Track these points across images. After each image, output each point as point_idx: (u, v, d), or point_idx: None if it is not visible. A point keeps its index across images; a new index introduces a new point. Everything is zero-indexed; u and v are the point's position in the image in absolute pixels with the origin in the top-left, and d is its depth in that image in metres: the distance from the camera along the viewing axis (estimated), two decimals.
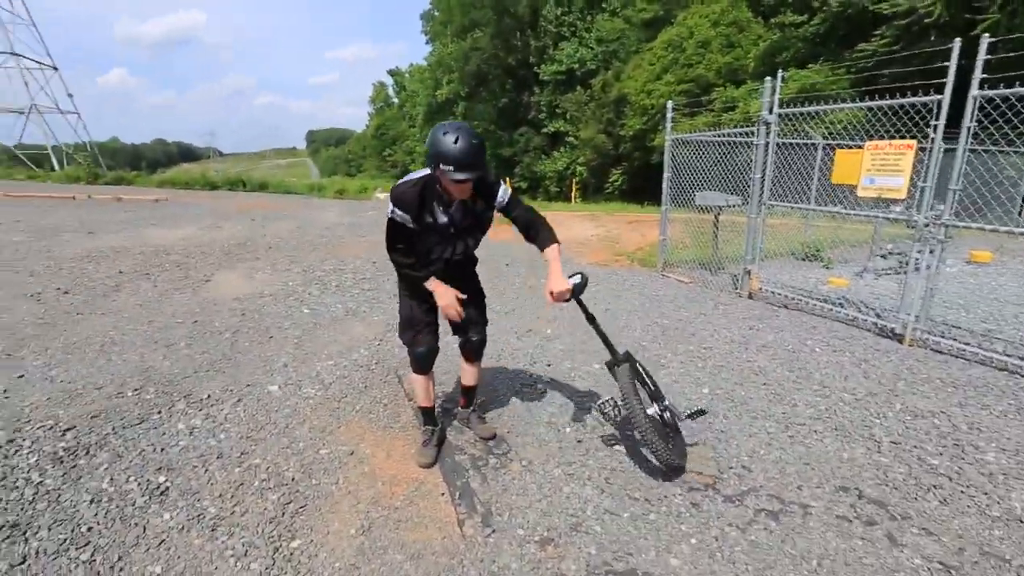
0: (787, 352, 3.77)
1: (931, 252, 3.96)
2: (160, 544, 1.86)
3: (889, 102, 4.17)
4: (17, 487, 2.14)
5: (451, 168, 1.89)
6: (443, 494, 2.15)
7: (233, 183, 20.69)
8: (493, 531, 1.93)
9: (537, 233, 2.22)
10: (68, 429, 2.58)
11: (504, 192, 2.18)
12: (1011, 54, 3.97)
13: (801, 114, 5.19)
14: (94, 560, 1.78)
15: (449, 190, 2.03)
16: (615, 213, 13.62)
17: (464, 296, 2.23)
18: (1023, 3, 12.79)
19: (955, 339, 3.96)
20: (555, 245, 2.18)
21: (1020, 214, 10.46)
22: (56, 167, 33.48)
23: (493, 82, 34.57)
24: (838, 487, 2.20)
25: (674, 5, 26.11)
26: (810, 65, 18.46)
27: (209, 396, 2.96)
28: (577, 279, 2.17)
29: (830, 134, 9.75)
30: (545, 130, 31.65)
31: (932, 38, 13.93)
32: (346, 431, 2.63)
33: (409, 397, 3.01)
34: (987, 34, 3.52)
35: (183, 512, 2.02)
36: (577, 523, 1.98)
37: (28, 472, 2.23)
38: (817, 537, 1.90)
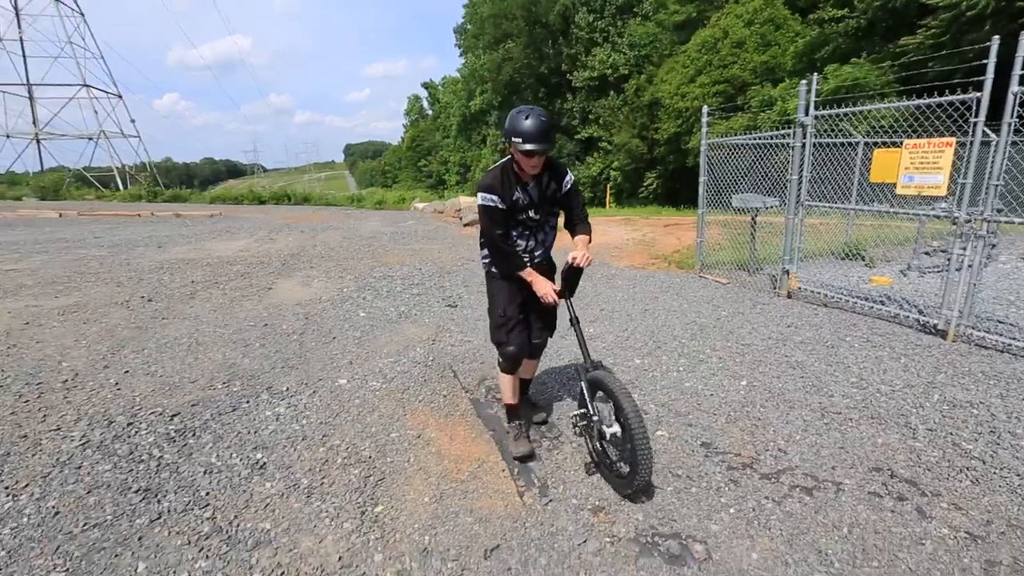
0: (825, 347, 3.86)
1: (973, 248, 3.97)
2: (266, 506, 2.20)
3: (927, 101, 4.21)
4: (143, 460, 2.53)
5: (520, 140, 2.13)
6: (503, 471, 2.42)
7: (278, 197, 21.86)
8: (550, 500, 2.18)
9: (578, 224, 2.49)
10: (174, 415, 2.98)
11: (572, 178, 2.45)
12: None
13: (837, 115, 5.23)
14: (215, 518, 2.13)
15: (522, 164, 2.25)
16: (650, 217, 13.67)
17: (558, 288, 2.38)
18: None
19: (1001, 334, 3.94)
20: (587, 236, 2.47)
21: None
22: (120, 187, 36.10)
23: (526, 91, 35.03)
24: (871, 468, 2.34)
25: (707, 6, 25.90)
26: (853, 60, 17.96)
27: (288, 388, 3.33)
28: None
29: (873, 131, 9.57)
30: (578, 136, 31.81)
31: (987, 28, 13.38)
32: (411, 418, 2.94)
33: (465, 389, 3.29)
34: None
35: (281, 482, 2.36)
36: (621, 496, 2.20)
37: (150, 448, 2.63)
38: (848, 509, 2.06)
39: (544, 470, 2.42)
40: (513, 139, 2.17)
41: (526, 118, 2.15)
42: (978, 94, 3.78)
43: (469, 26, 43.11)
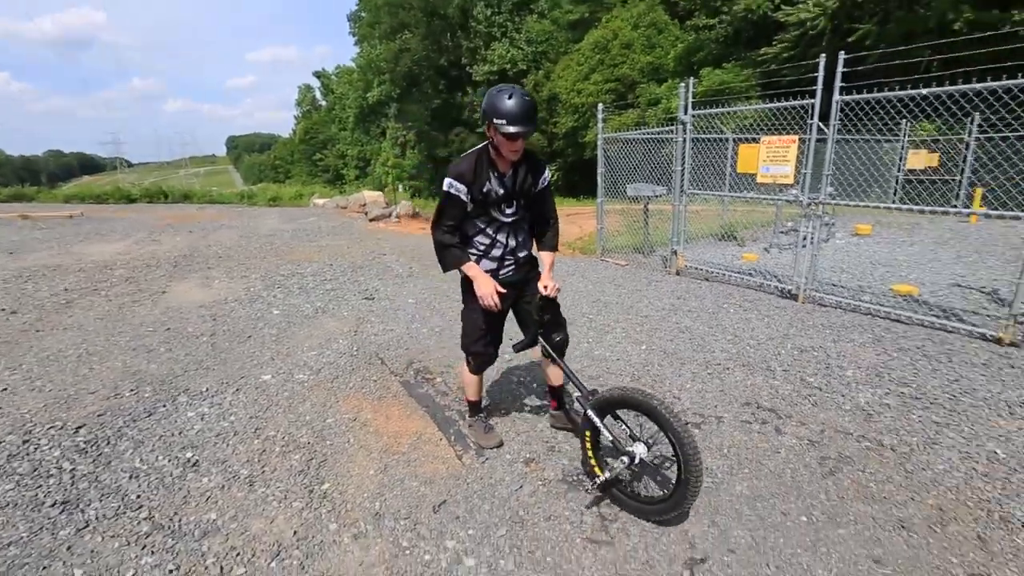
0: (708, 314, 4.52)
1: (814, 226, 4.85)
2: (207, 499, 2.20)
3: (776, 104, 5.04)
4: (52, 474, 2.37)
5: (503, 122, 1.97)
6: (441, 439, 2.62)
7: (153, 194, 19.53)
8: (487, 459, 2.43)
9: (546, 232, 2.36)
10: (79, 427, 2.79)
11: (547, 176, 2.32)
12: (861, 64, 4.93)
13: (710, 114, 6.02)
14: (152, 516, 2.10)
15: (501, 149, 2.09)
16: None
17: (504, 291, 2.20)
18: (887, 16, 14.77)
19: (835, 295, 4.88)
20: (553, 253, 2.35)
21: (895, 194, 12.21)
22: None
23: (425, 83, 34.57)
24: (743, 403, 2.89)
25: (599, 7, 27.42)
26: (723, 65, 20.13)
27: (208, 389, 3.23)
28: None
29: (740, 128, 10.95)
30: (480, 130, 32.07)
31: (824, 43, 15.74)
32: (344, 404, 3.02)
33: (394, 373, 3.42)
34: (843, 52, 4.41)
35: (219, 476, 2.36)
36: (551, 447, 2.52)
37: (58, 463, 2.46)
38: (727, 435, 2.56)
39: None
40: (495, 120, 1.99)
41: (509, 97, 1.98)
42: (812, 100, 4.62)
43: (364, 14, 41.43)
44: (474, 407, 2.64)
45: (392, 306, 4.99)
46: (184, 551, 1.91)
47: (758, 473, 2.29)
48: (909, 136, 11.89)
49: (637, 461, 1.97)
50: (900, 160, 12.20)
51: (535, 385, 3.26)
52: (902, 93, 4.11)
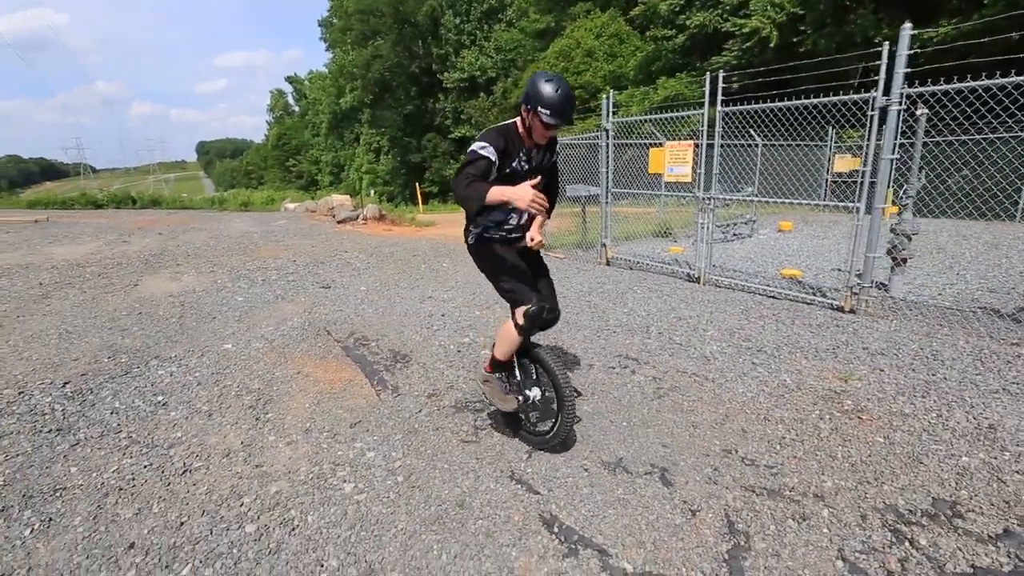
0: (616, 294, 5.28)
1: (708, 219, 5.66)
2: (174, 426, 2.82)
3: (675, 115, 5.85)
4: (47, 413, 2.95)
5: (547, 112, 2.09)
6: (367, 383, 3.28)
7: (120, 200, 19.58)
8: (399, 395, 3.10)
9: (549, 198, 2.42)
10: (66, 383, 3.35)
11: (558, 150, 2.51)
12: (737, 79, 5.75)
13: (627, 123, 6.83)
14: (131, 436, 2.70)
15: (534, 133, 2.23)
16: None
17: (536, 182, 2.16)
18: (825, 27, 16.01)
19: (732, 279, 5.69)
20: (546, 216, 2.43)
21: (824, 195, 13.33)
22: None
23: (398, 89, 35.12)
24: (615, 355, 3.63)
25: (564, 16, 28.44)
26: (677, 74, 21.25)
27: (176, 355, 3.82)
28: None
29: (670, 135, 11.92)
30: (452, 135, 32.78)
31: (769, 54, 16.95)
32: (291, 363, 3.65)
33: (337, 340, 4.06)
34: (721, 71, 5.25)
35: (184, 410, 2.97)
36: (450, 385, 3.21)
37: (50, 406, 3.04)
38: (593, 376, 3.29)
39: (396, 380, 3.33)
40: (540, 108, 2.10)
41: (556, 89, 2.08)
42: (702, 111, 5.44)
43: (335, 20, 41.80)
44: (499, 365, 2.52)
45: (345, 293, 5.61)
46: (155, 455, 2.53)
47: (604, 398, 3.01)
48: (836, 143, 13.04)
49: (530, 401, 2.46)
50: (828, 163, 13.35)
51: (449, 331, 3.94)
52: (771, 105, 4.95)
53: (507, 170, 2.26)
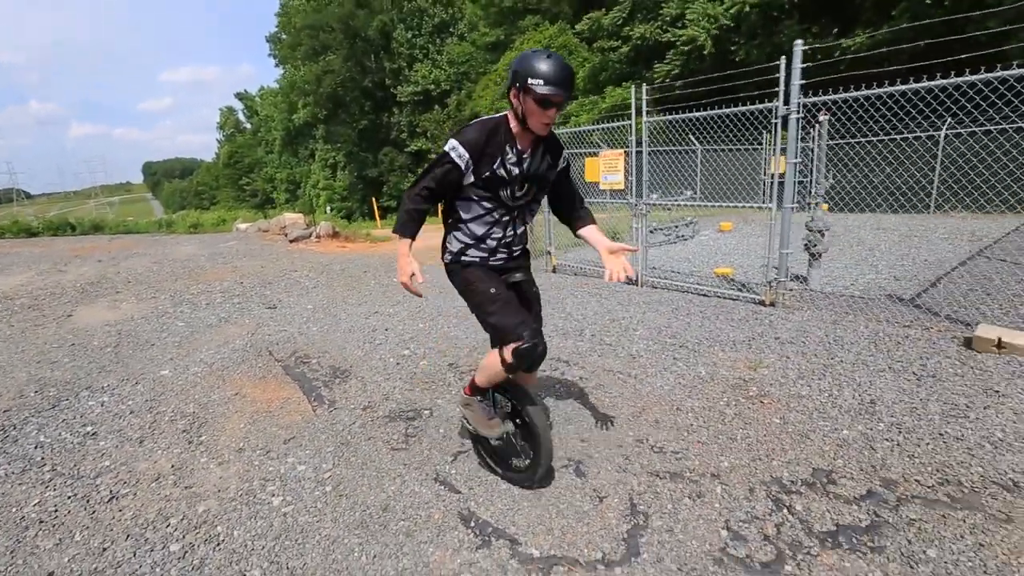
0: (555, 299, 5.49)
1: (640, 223, 5.97)
2: (103, 456, 2.80)
3: (605, 126, 6.16)
4: None
5: (540, 82, 1.74)
6: (304, 400, 3.34)
7: (57, 227, 18.63)
8: (335, 408, 3.18)
9: (580, 209, 2.17)
10: None
11: (566, 156, 2.12)
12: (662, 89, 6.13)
13: (576, 133, 7.11)
14: (55, 469, 2.68)
15: (531, 120, 1.86)
16: None
17: (420, 279, 1.96)
18: (756, 37, 16.98)
19: (667, 279, 6.00)
20: (595, 225, 2.14)
21: (764, 195, 14.07)
22: None
23: (351, 104, 34.92)
24: (548, 359, 3.80)
25: (513, 30, 29.02)
26: (623, 83, 22.02)
27: (108, 385, 3.76)
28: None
29: (612, 143, 12.43)
30: (408, 149, 32.79)
31: (706, 63, 17.82)
32: (230, 384, 3.66)
33: (278, 360, 4.08)
34: (645, 84, 5.58)
35: (114, 440, 2.96)
36: (386, 396, 3.31)
37: None
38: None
39: (334, 395, 3.40)
40: (530, 81, 1.75)
41: (547, 56, 1.77)
42: (630, 121, 5.75)
43: (284, 36, 41.22)
44: (479, 390, 2.24)
45: (291, 312, 5.61)
46: (80, 485, 2.52)
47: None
48: (772, 145, 13.82)
49: (504, 435, 2.26)
50: (766, 165, 14.14)
51: (391, 345, 4.04)
52: (684, 116, 5.30)
53: (487, 174, 1.91)
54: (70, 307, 6.27)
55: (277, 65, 43.59)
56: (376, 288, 6.70)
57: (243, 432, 2.97)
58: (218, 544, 2.09)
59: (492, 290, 2.03)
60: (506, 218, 2.06)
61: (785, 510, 2.13)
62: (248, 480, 2.51)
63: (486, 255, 2.12)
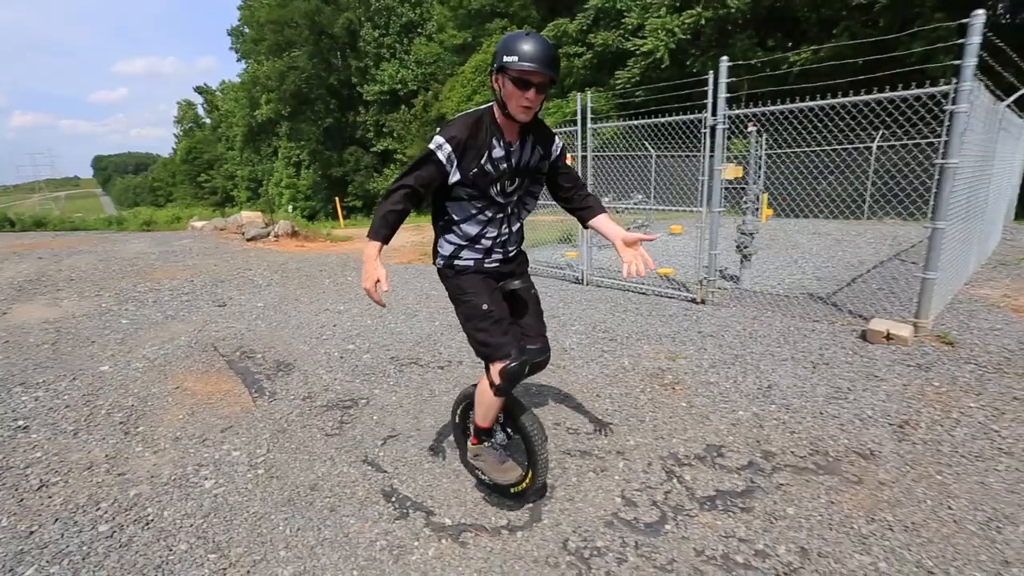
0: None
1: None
2: (34, 448, 2.84)
3: (563, 130, 6.43)
4: None
5: (515, 59, 1.64)
6: (244, 393, 3.43)
7: None
8: (275, 399, 3.29)
9: (588, 197, 2.05)
10: None
11: (559, 143, 2.02)
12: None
13: None
14: None
15: (511, 104, 1.74)
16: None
17: (385, 288, 1.80)
18: (711, 49, 17.72)
19: (611, 278, 6.31)
20: (606, 214, 2.04)
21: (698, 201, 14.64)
22: None
23: (316, 101, 34.38)
24: None
25: (481, 32, 29.22)
26: (586, 89, 22.52)
27: (44, 381, 3.75)
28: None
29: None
30: (374, 149, 32.52)
31: (666, 70, 18.49)
32: (172, 379, 3.72)
33: (223, 355, 4.14)
34: (581, 93, 5.87)
35: (46, 432, 2.99)
36: (326, 387, 3.44)
37: None
38: (459, 371, 3.65)
39: (275, 387, 3.51)
40: (506, 59, 1.67)
41: (527, 35, 1.69)
42: (576, 128, 6.03)
43: (247, 29, 40.19)
44: (484, 432, 2.15)
45: (241, 310, 5.63)
46: (9, 476, 2.57)
47: (463, 384, 3.38)
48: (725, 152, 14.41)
49: (495, 443, 2.20)
50: (701, 171, 14.73)
51: (337, 340, 4.16)
52: (631, 123, 5.61)
53: (474, 170, 1.81)
54: (5, 304, 6.09)
55: (239, 59, 42.49)
56: (330, 287, 6.76)
57: (181, 423, 3.05)
58: (147, 524, 2.19)
59: (485, 306, 1.94)
60: (499, 216, 1.96)
61: (675, 480, 2.39)
62: (182, 466, 2.61)
63: (480, 256, 2.01)
